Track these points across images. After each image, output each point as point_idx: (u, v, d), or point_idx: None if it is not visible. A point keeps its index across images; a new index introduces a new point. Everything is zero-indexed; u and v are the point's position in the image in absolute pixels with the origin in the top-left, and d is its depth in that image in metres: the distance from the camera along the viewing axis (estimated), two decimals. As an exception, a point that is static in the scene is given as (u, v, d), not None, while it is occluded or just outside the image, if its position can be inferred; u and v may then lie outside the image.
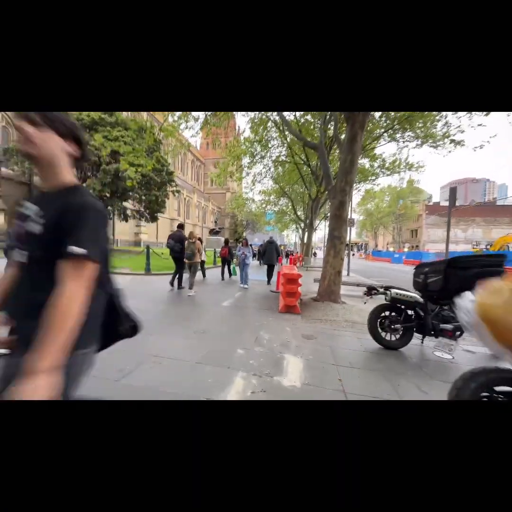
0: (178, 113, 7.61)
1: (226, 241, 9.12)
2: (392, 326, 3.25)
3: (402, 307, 3.21)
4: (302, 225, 23.41)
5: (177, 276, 6.29)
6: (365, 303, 3.56)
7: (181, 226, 6.57)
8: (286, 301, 4.80)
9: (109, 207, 16.37)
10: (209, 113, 8.56)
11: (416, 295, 3.14)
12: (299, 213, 21.82)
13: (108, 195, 14.09)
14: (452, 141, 9.18)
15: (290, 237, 43.20)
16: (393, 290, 3.22)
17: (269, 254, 8.00)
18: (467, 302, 0.56)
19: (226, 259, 8.88)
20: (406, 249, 44.08)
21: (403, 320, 3.20)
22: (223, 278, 8.78)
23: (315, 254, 28.52)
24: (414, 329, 3.15)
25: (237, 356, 2.84)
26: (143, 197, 15.61)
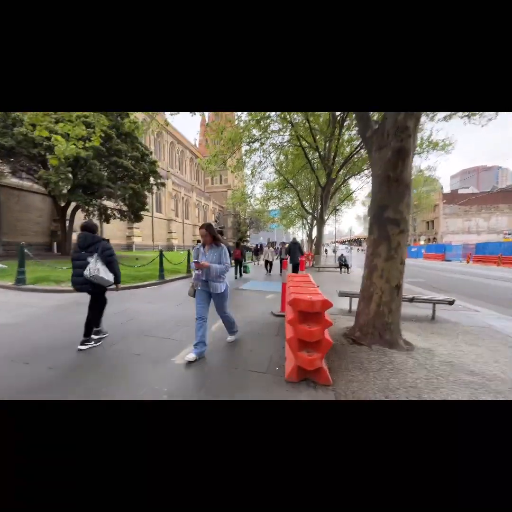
0: None
1: (238, 244, 9.83)
2: None
3: None
4: (310, 219, 20.68)
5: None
6: None
7: (221, 232, 6.45)
8: (299, 360, 2.17)
9: (87, 207, 14.01)
10: None
11: None
12: (306, 207, 19.14)
13: (72, 189, 11.57)
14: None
15: (297, 235, 40.42)
16: None
17: (293, 253, 8.49)
18: None
19: (238, 260, 9.44)
20: (422, 242, 40.73)
21: None
22: (236, 277, 9.29)
23: (326, 251, 25.69)
24: None
25: None
26: (118, 192, 13.05)
